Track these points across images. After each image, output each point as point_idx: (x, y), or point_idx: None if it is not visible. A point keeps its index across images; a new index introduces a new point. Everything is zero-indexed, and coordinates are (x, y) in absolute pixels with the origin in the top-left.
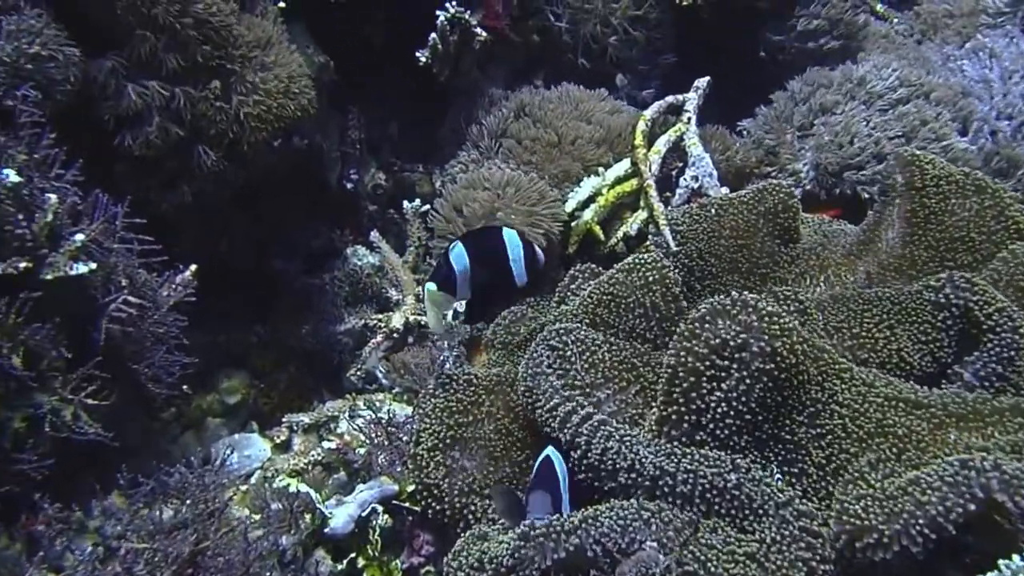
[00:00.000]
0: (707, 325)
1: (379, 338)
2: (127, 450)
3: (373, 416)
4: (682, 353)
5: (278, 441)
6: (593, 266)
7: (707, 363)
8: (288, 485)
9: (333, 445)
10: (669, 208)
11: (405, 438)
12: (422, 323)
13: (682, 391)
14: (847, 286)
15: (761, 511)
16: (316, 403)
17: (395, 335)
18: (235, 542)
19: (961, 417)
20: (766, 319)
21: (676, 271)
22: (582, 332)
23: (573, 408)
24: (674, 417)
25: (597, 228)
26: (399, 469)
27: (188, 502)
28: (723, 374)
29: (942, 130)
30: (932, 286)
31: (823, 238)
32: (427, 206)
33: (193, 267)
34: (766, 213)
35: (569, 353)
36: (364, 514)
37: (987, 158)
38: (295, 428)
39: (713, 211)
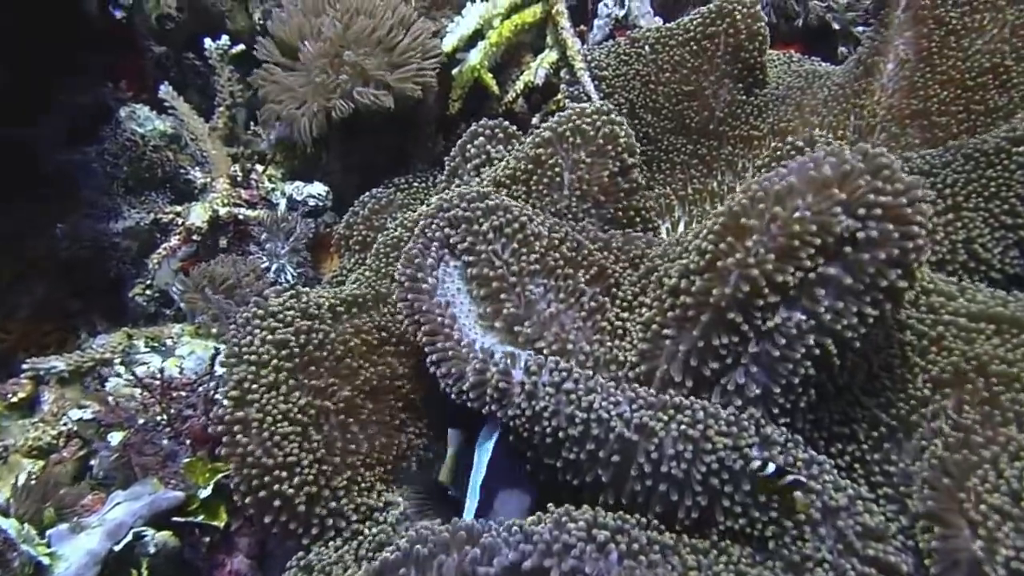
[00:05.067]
0: (801, 187)
1: (174, 241)
2: None
3: (140, 375)
4: (751, 231)
5: (15, 400)
6: (505, 124)
7: (800, 251)
8: None
9: (88, 414)
10: (587, 46)
11: (202, 407)
12: (240, 217)
13: (735, 302)
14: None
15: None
16: (85, 337)
17: (196, 236)
18: None
19: None
20: (908, 193)
21: (632, 133)
22: (499, 200)
23: (491, 349)
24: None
25: (488, 77)
26: (184, 462)
27: None
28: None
29: None
30: None
31: (798, 79)
32: (241, 46)
33: None
34: (722, 47)
35: (481, 237)
36: (119, 547)
37: None
38: (45, 378)
39: (648, 48)
